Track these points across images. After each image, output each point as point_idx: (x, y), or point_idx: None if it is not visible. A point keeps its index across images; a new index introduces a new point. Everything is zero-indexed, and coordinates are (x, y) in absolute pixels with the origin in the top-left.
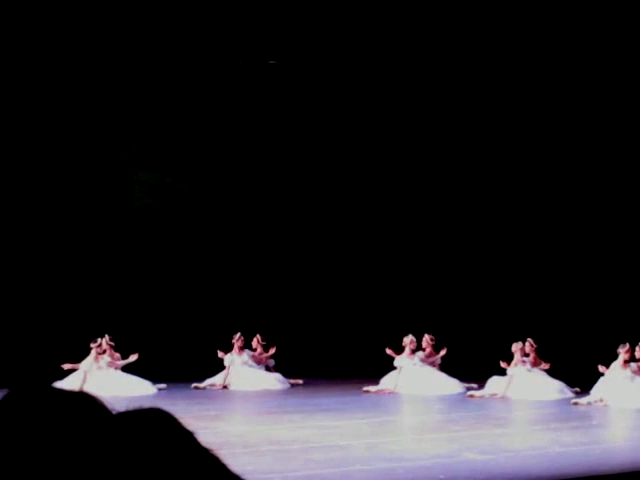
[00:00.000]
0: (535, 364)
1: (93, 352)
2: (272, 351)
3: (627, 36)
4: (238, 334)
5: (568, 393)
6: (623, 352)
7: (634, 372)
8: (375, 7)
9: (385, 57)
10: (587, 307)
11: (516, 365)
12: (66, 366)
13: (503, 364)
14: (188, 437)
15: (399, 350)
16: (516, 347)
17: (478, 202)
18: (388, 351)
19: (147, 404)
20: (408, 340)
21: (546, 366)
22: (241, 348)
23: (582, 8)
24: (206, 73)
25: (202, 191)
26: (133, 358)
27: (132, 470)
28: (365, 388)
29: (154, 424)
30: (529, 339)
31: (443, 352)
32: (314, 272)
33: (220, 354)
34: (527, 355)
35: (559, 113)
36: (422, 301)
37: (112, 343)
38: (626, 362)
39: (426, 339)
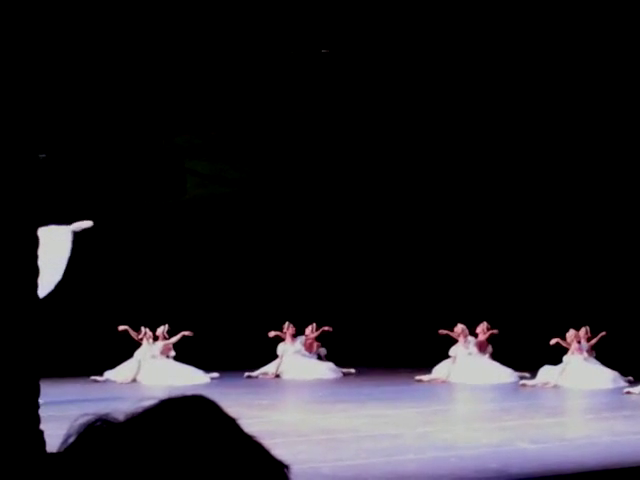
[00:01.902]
0: (590, 353)
1: (144, 342)
2: (326, 329)
3: (627, 36)
4: (287, 323)
5: (621, 382)
6: None
7: None
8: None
9: (390, 58)
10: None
11: (573, 353)
12: (121, 327)
13: (554, 340)
14: (231, 424)
15: (451, 339)
16: (572, 335)
17: (520, 190)
18: (442, 331)
19: (199, 393)
20: (459, 329)
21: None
22: (293, 336)
23: (582, 8)
24: (258, 62)
25: (255, 180)
26: (186, 333)
27: (174, 456)
28: (417, 377)
29: (196, 411)
30: (585, 327)
31: (494, 331)
32: (366, 262)
33: (271, 333)
34: (584, 341)
35: (559, 113)
36: (474, 289)
37: (167, 336)
38: None
39: (482, 327)
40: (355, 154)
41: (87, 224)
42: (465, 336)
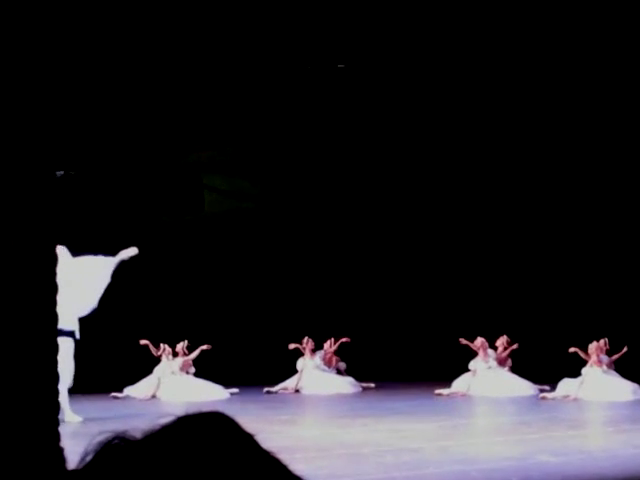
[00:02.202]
0: (610, 365)
1: (164, 358)
2: (345, 340)
3: (627, 36)
4: (306, 338)
5: None
6: None
7: None
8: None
9: (394, 56)
10: None
11: (592, 366)
12: (143, 342)
13: (573, 349)
14: (249, 440)
15: (470, 353)
16: (593, 347)
17: (530, 200)
18: (463, 341)
19: (219, 409)
20: (479, 342)
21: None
22: (312, 351)
23: (582, 8)
24: (276, 77)
25: (273, 195)
26: (205, 347)
27: (191, 474)
28: (437, 391)
29: (214, 428)
30: (604, 339)
31: (515, 346)
32: (385, 275)
33: (291, 346)
34: (603, 353)
35: (559, 113)
36: (493, 301)
37: (187, 351)
38: None
39: (502, 340)
40: (373, 167)
41: (133, 251)
42: (485, 349)
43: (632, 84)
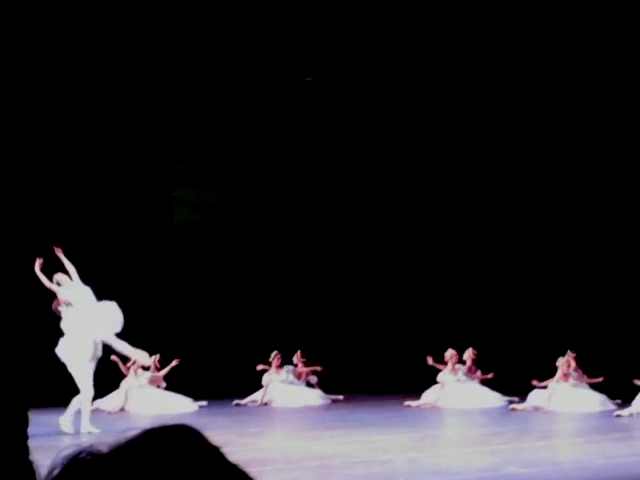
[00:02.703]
0: (581, 378)
1: (131, 372)
2: (317, 369)
3: (627, 36)
4: (274, 352)
5: (610, 405)
6: None
7: None
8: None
9: (391, 59)
10: (627, 319)
11: (558, 382)
12: (113, 357)
13: (431, 362)
14: (215, 453)
15: (440, 361)
16: (561, 362)
17: (515, 218)
18: (430, 361)
19: (188, 422)
20: (449, 355)
21: (591, 380)
22: (279, 366)
23: (582, 8)
24: (244, 90)
25: (241, 208)
26: (174, 363)
27: None
28: (406, 403)
29: (180, 440)
30: (569, 352)
31: (489, 376)
32: (353, 288)
33: (259, 367)
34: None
35: (559, 114)
36: (462, 314)
37: (158, 365)
38: None
39: (469, 353)
40: (340, 181)
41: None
42: (454, 362)
43: (632, 84)
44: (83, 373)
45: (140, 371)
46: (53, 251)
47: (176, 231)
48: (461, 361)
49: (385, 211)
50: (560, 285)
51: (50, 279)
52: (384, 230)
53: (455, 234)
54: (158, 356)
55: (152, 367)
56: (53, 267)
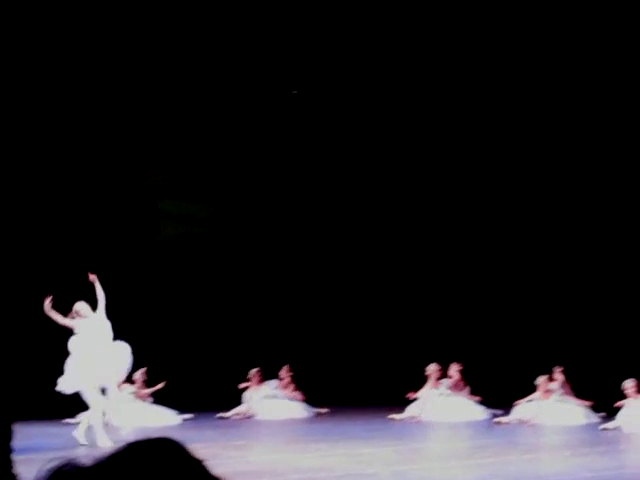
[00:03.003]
0: (567, 392)
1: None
2: (298, 396)
3: (627, 36)
4: (254, 370)
5: (594, 418)
6: None
7: None
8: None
9: (386, 59)
10: (611, 334)
11: (539, 400)
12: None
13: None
14: (198, 465)
15: (422, 380)
16: (540, 381)
17: (506, 232)
18: (411, 395)
19: (173, 435)
20: (431, 369)
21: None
22: (260, 382)
23: (582, 8)
24: (229, 103)
25: (227, 220)
26: (160, 386)
27: None
28: (391, 416)
29: (163, 453)
30: (556, 367)
31: (476, 398)
32: (338, 302)
33: (241, 385)
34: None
35: (559, 114)
36: (447, 327)
37: (145, 377)
38: None
39: (454, 368)
40: (323, 194)
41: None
42: (437, 378)
43: (632, 84)
44: (88, 392)
45: (124, 385)
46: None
47: (161, 244)
48: (445, 375)
49: (368, 228)
50: (547, 298)
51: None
52: (370, 245)
53: (440, 249)
54: (145, 369)
55: (139, 381)
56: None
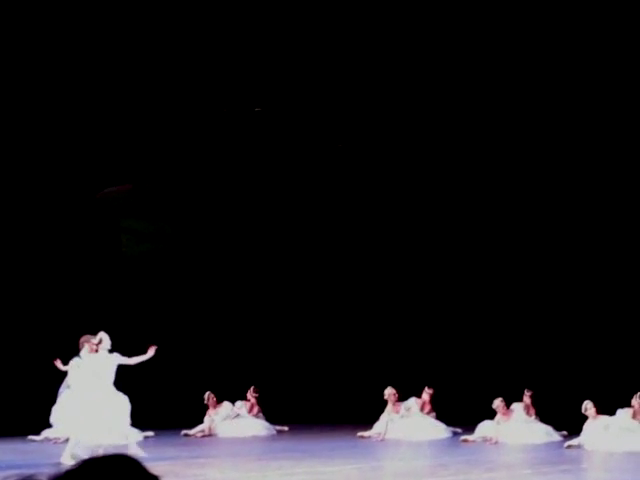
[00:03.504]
0: (529, 412)
1: (211, 403)
2: (261, 416)
3: (627, 36)
4: (207, 394)
5: (555, 436)
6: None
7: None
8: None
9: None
10: (571, 356)
11: (498, 423)
12: None
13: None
14: None
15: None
16: (496, 404)
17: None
18: (363, 434)
19: (122, 452)
20: (387, 393)
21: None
22: (216, 404)
23: (582, 8)
24: (191, 119)
25: (188, 238)
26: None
27: None
28: (359, 433)
29: (119, 470)
30: (526, 390)
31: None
32: (301, 319)
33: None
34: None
35: (559, 117)
36: (412, 346)
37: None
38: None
39: (426, 391)
40: (289, 209)
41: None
42: (394, 401)
43: (632, 84)
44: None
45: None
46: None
47: (125, 262)
48: (405, 398)
49: (338, 244)
50: (505, 318)
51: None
52: (333, 264)
53: (403, 270)
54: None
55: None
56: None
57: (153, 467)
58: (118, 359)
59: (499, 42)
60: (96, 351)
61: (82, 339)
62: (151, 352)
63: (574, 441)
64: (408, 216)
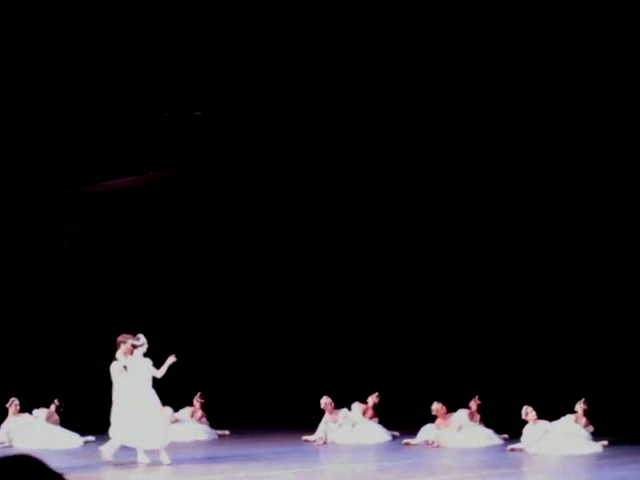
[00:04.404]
0: (473, 417)
1: (10, 415)
2: (205, 421)
3: (627, 36)
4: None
5: (497, 439)
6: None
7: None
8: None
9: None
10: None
11: (439, 427)
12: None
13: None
14: (58, 478)
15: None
16: (435, 407)
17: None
18: (308, 438)
19: (75, 456)
20: (324, 402)
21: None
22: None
23: (582, 8)
24: (135, 122)
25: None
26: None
27: None
28: (304, 437)
29: (22, 468)
30: (476, 398)
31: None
32: (243, 323)
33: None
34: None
35: (559, 117)
36: (355, 350)
37: (58, 403)
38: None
39: (372, 398)
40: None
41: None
42: (331, 410)
43: (632, 84)
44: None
45: (36, 411)
46: None
47: (64, 264)
48: (350, 402)
49: (296, 252)
50: (444, 324)
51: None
52: (284, 265)
53: (358, 270)
54: (57, 401)
55: (53, 407)
56: None
57: (85, 474)
58: (151, 368)
59: (498, 40)
60: (131, 353)
61: (119, 338)
62: (171, 359)
63: (517, 445)
64: (382, 224)
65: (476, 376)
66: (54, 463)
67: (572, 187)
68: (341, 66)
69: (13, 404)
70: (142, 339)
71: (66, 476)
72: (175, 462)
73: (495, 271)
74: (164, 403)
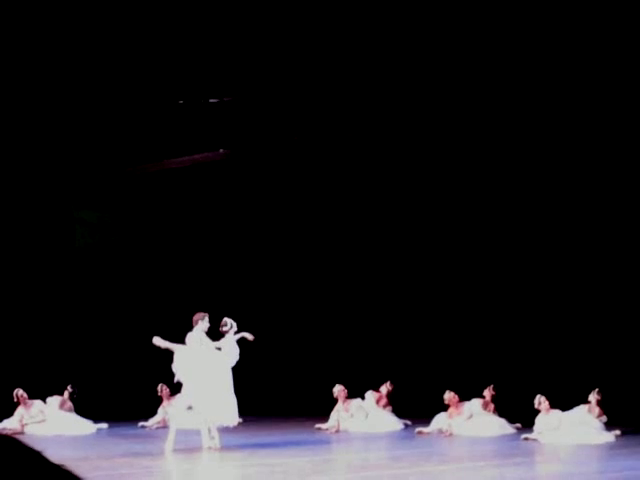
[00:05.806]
0: (487, 406)
1: (20, 405)
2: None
3: (627, 36)
4: (160, 385)
5: (509, 429)
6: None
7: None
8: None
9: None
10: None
11: (451, 417)
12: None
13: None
14: (36, 456)
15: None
16: (448, 396)
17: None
18: (320, 426)
19: (87, 444)
20: (336, 390)
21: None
22: (169, 396)
23: (582, 8)
24: (151, 109)
25: (138, 229)
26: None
27: None
28: (317, 425)
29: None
30: (490, 387)
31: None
32: (258, 309)
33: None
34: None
35: (559, 117)
36: (370, 337)
37: (74, 396)
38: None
39: (386, 386)
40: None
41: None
42: (344, 398)
43: (632, 84)
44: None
45: (49, 398)
46: None
47: (77, 253)
48: (363, 390)
49: (283, 246)
50: (464, 309)
51: None
52: (283, 257)
53: (366, 263)
54: (69, 387)
55: (65, 398)
56: None
57: (111, 459)
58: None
59: (497, 39)
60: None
61: (196, 316)
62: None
63: (531, 434)
64: (374, 222)
65: (489, 365)
66: (68, 450)
67: (583, 174)
68: (344, 67)
69: (17, 395)
70: (229, 323)
71: (74, 463)
72: (188, 450)
73: (510, 260)
74: (175, 390)
